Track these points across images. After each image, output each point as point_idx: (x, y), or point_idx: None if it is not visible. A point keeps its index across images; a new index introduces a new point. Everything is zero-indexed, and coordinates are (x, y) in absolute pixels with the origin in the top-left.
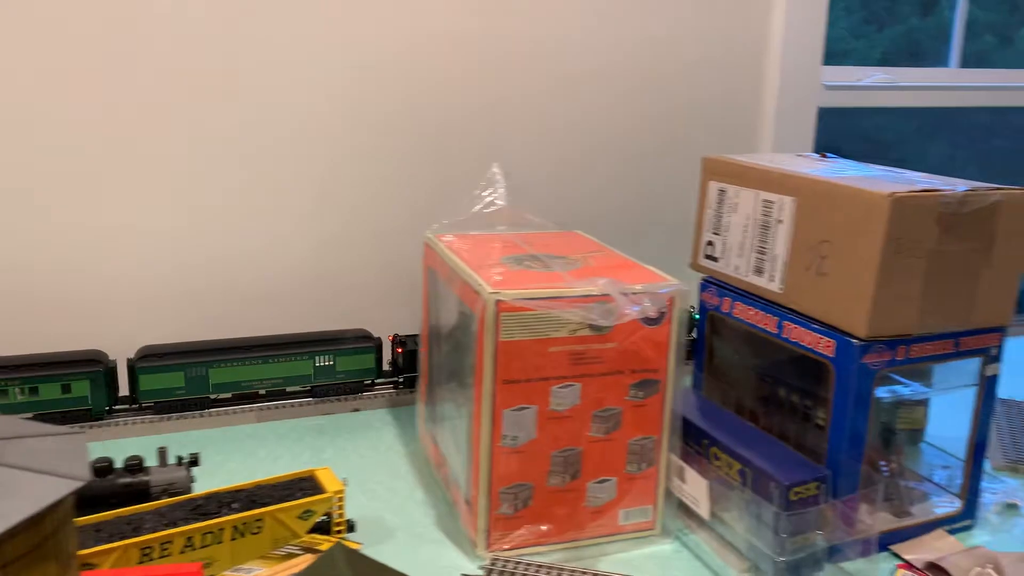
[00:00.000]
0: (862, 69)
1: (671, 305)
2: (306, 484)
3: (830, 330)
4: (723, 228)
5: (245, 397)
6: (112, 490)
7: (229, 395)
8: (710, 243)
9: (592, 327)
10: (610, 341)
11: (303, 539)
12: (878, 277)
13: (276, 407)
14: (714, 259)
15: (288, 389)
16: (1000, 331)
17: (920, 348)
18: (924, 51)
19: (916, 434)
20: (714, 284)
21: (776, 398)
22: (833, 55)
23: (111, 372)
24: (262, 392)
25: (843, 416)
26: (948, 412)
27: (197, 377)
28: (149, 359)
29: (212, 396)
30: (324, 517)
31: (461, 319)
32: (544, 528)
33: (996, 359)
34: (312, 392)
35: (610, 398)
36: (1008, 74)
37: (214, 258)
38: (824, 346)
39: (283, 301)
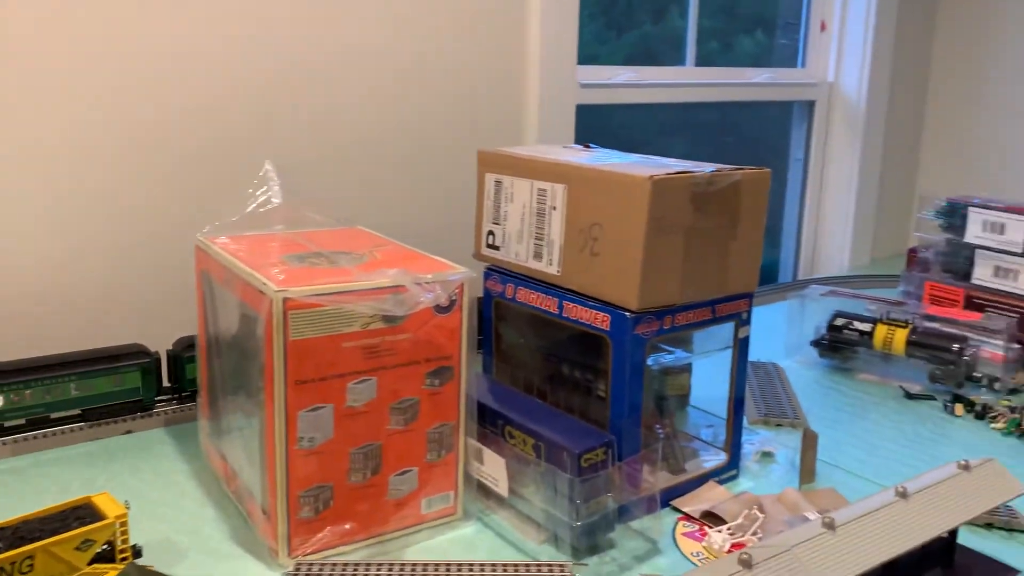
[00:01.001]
0: (612, 68)
1: (461, 292)
2: (83, 512)
3: (605, 306)
4: (502, 218)
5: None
6: None
7: None
8: (491, 233)
9: (385, 319)
10: (403, 332)
11: (84, 571)
12: (644, 254)
13: (35, 437)
14: (496, 248)
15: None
16: (748, 297)
17: (684, 316)
18: (657, 55)
19: (683, 399)
20: (497, 272)
21: (561, 375)
22: (581, 59)
23: (157, 363)
24: None
25: (622, 384)
26: (708, 376)
27: None
28: (193, 348)
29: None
30: (106, 546)
31: (244, 323)
32: (347, 527)
33: (747, 322)
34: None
35: (407, 389)
36: (733, 72)
37: None
38: (601, 321)
39: (52, 317)
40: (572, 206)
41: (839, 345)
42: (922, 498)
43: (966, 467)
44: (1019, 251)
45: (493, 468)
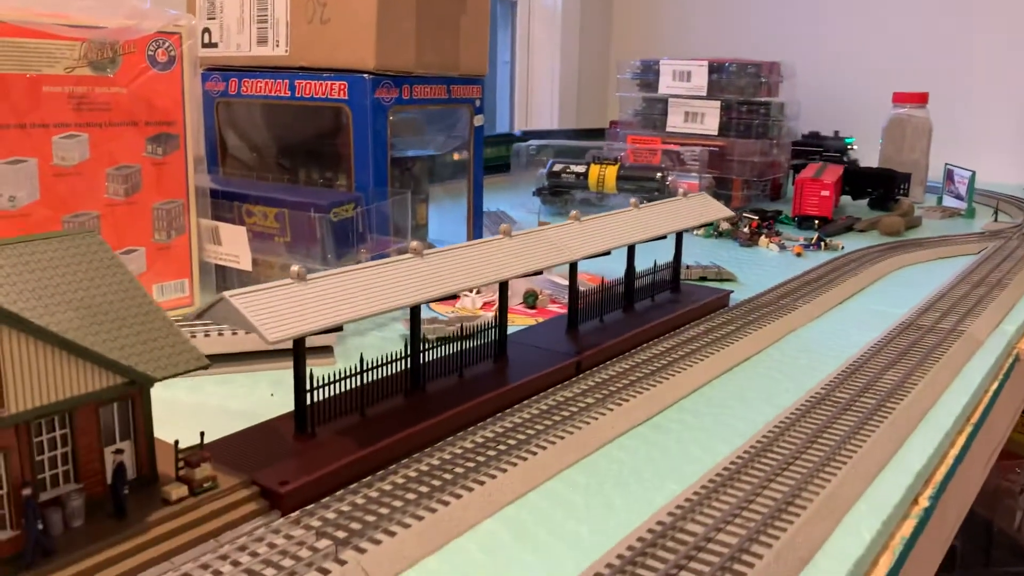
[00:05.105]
0: None
1: (180, 47)
2: None
3: (341, 74)
4: (218, 11)
5: None
6: None
7: None
8: (206, 30)
9: (92, 65)
10: (116, 85)
11: None
12: (378, 10)
13: None
14: (214, 46)
15: None
16: (480, 83)
17: (421, 90)
18: None
19: (421, 229)
20: (217, 71)
21: (296, 180)
22: None
23: None
24: None
25: (365, 153)
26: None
27: None
28: None
29: None
30: None
31: None
32: None
33: (480, 110)
34: None
35: (125, 154)
36: None
37: None
38: (338, 90)
39: None
40: None
41: (559, 189)
42: (654, 210)
43: (685, 194)
44: (704, 94)
45: (232, 244)
